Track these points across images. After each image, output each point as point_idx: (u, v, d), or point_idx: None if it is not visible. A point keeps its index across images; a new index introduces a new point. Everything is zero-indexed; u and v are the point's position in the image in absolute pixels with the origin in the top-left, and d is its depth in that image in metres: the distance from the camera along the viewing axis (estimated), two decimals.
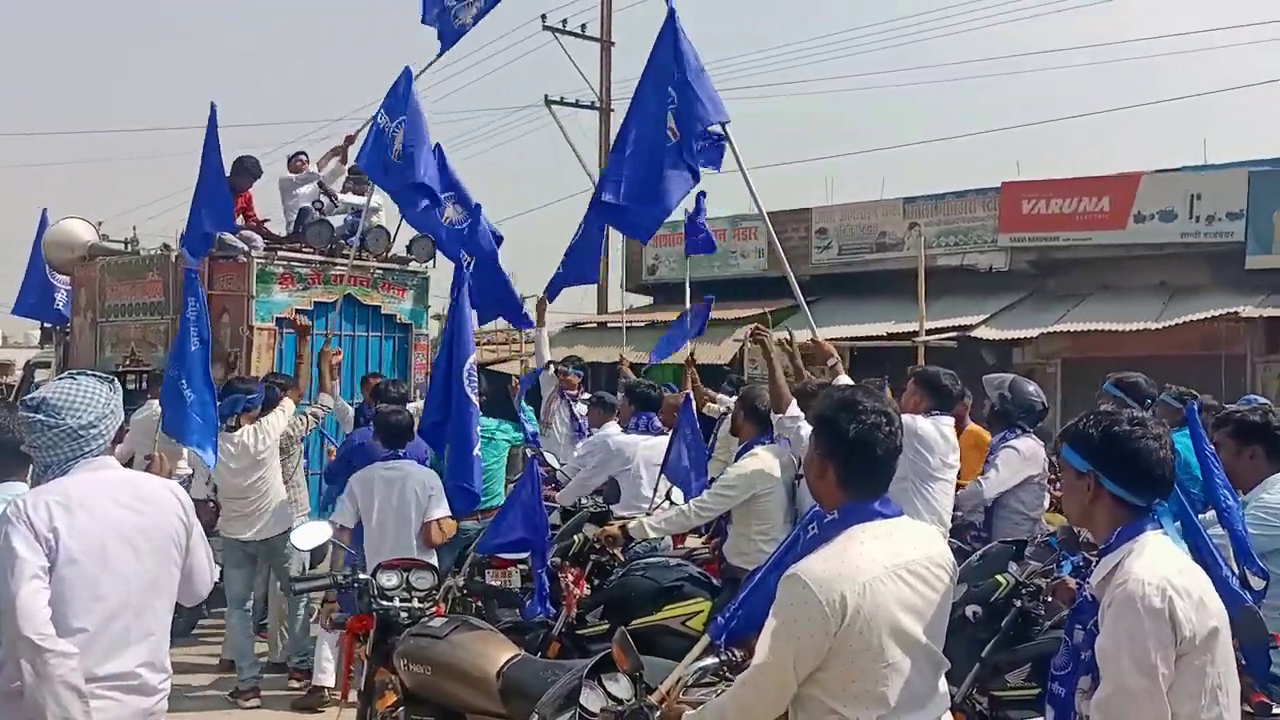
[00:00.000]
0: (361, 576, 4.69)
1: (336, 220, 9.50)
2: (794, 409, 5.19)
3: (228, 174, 8.21)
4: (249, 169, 9.42)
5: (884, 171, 67.72)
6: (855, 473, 2.54)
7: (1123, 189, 16.13)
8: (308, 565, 6.72)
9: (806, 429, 5.07)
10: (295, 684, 6.64)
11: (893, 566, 2.45)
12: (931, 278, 15.63)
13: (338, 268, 9.01)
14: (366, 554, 5.69)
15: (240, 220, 9.20)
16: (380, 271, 9.64)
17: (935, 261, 16.83)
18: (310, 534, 5.10)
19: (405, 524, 5.80)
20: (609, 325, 19.03)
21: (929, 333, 14.74)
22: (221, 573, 6.56)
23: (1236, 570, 3.53)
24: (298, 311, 8.81)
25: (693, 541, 7.46)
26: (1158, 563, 2.44)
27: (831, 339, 6.54)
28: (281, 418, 6.83)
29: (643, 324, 17.44)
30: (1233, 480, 3.99)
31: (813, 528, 2.62)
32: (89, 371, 3.11)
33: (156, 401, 7.94)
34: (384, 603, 4.53)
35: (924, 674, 2.48)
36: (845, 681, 2.40)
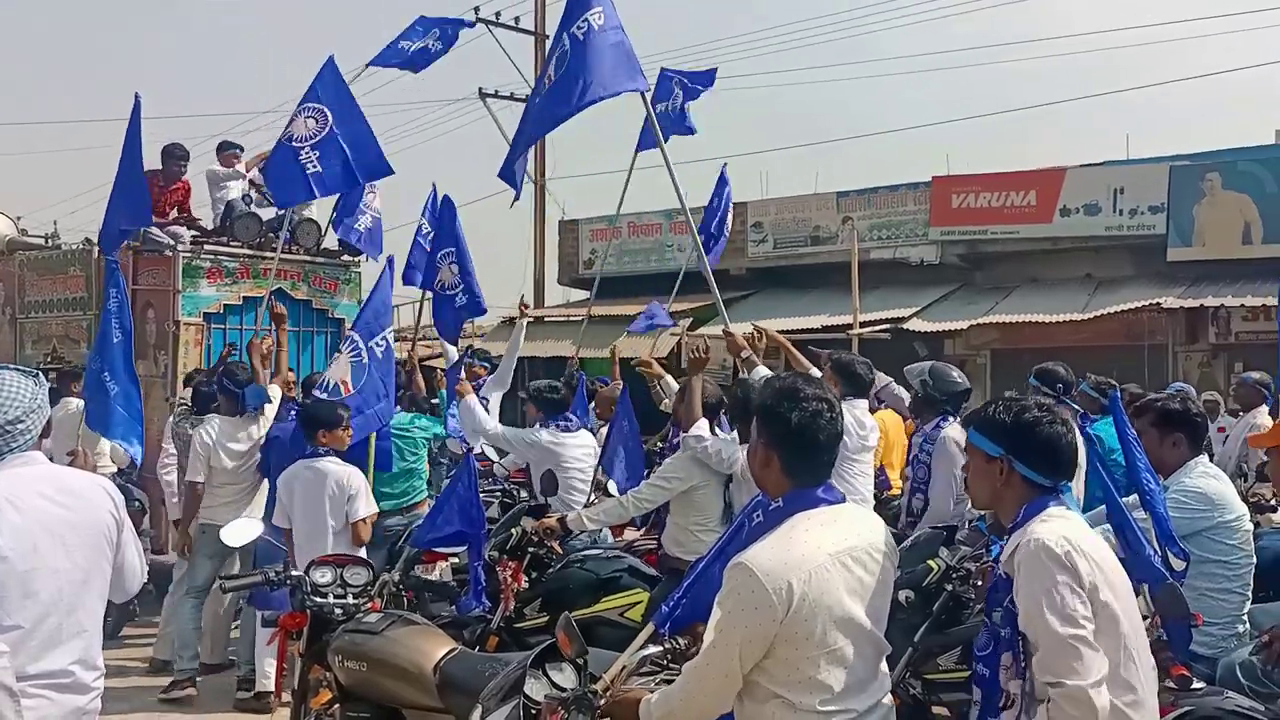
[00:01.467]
0: (294, 573, 4.62)
1: (266, 213, 9.34)
2: (699, 428, 5.18)
3: (157, 166, 8.00)
4: (177, 154, 9.20)
5: (817, 166, 68.26)
6: (799, 460, 2.56)
7: (1049, 183, 16.49)
8: (254, 561, 6.56)
9: (715, 446, 5.11)
10: (244, 694, 6.45)
11: (837, 553, 2.47)
12: (864, 271, 15.82)
13: (266, 261, 8.85)
14: (295, 553, 5.63)
15: (175, 213, 9.00)
16: (311, 265, 9.50)
17: (868, 255, 17.05)
18: (240, 531, 5.01)
19: (321, 525, 5.72)
20: (545, 320, 18.96)
21: (863, 325, 14.93)
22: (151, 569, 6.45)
23: (1158, 551, 3.65)
24: (273, 295, 8.58)
25: (631, 534, 7.48)
26: (1057, 525, 2.59)
27: None
28: (273, 407, 6.86)
29: (579, 318, 17.39)
30: (1157, 466, 4.11)
31: (757, 515, 2.62)
32: (12, 366, 3.03)
33: (74, 399, 7.78)
34: (317, 599, 4.46)
35: (866, 658, 2.51)
36: (790, 668, 2.41)
